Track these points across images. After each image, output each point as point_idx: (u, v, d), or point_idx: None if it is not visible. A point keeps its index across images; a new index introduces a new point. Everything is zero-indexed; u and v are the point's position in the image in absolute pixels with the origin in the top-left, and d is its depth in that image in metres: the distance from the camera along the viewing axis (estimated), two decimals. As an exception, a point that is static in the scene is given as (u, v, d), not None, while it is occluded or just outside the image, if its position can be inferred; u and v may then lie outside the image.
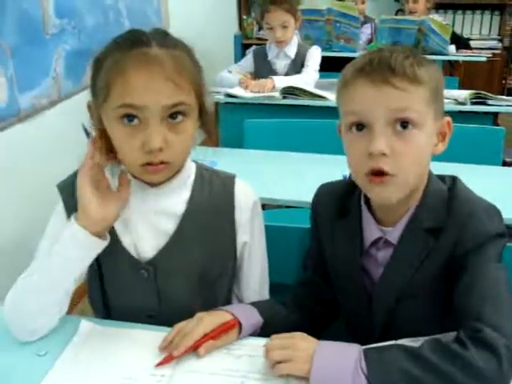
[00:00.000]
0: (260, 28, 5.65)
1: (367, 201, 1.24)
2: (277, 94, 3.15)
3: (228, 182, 1.33)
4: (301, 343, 1.07)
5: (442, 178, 1.22)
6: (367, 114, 1.09)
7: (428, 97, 1.10)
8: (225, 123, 3.26)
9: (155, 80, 1.11)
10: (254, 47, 4.05)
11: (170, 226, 1.27)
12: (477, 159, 2.28)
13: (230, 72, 3.52)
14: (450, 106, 3.01)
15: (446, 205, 1.16)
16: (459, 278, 1.09)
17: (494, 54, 5.23)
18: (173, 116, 1.14)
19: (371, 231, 1.23)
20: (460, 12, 6.14)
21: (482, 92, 3.05)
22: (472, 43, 4.90)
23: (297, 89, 3.14)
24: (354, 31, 4.25)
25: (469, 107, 2.98)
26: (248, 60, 3.67)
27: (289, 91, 3.15)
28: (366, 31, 4.67)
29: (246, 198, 1.33)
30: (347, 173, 1.23)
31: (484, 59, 4.39)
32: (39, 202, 1.36)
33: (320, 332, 1.21)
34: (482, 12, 6.12)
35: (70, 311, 1.30)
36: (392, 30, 4.25)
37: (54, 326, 1.23)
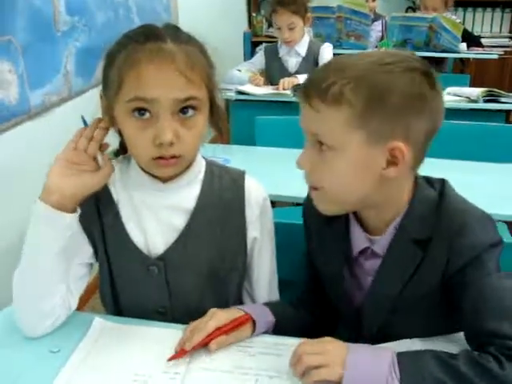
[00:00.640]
0: (269, 25, 5.64)
1: None
2: (288, 91, 3.15)
3: (238, 178, 1.33)
4: (332, 348, 1.05)
5: (430, 181, 1.17)
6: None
7: (348, 119, 1.02)
8: (236, 120, 3.26)
9: (167, 74, 1.11)
10: (264, 44, 4.05)
11: (180, 222, 1.27)
12: (489, 157, 2.26)
13: (239, 71, 3.52)
14: (462, 103, 3.01)
15: (434, 213, 1.11)
16: (463, 296, 1.06)
17: (505, 51, 5.19)
18: (184, 110, 1.14)
19: (359, 240, 1.20)
20: (470, 9, 6.10)
21: (495, 89, 3.04)
22: (483, 41, 4.86)
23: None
24: (365, 28, 4.24)
25: (481, 105, 2.97)
26: (259, 57, 3.67)
27: (299, 88, 3.13)
28: (376, 28, 4.64)
29: (256, 194, 1.33)
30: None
31: (496, 56, 4.36)
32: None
33: (331, 331, 1.20)
34: (492, 9, 6.09)
35: (80, 308, 1.30)
36: (403, 27, 4.24)
37: (63, 315, 1.24)
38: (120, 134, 1.23)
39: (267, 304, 1.29)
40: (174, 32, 1.17)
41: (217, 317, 1.16)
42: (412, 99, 1.02)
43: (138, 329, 1.24)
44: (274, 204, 2.71)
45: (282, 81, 3.27)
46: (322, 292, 1.34)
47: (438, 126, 1.09)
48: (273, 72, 3.56)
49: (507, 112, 3.06)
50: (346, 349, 1.03)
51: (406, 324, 1.17)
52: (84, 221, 1.24)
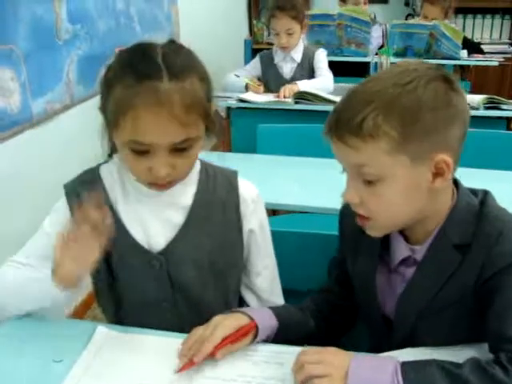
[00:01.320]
0: (270, 33, 5.65)
1: None
2: (289, 99, 3.16)
3: (231, 176, 1.37)
4: (335, 358, 1.04)
5: (473, 191, 1.18)
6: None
7: (388, 148, 1.03)
8: (237, 128, 3.26)
9: (163, 120, 1.12)
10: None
11: (178, 218, 1.31)
12: (490, 164, 2.27)
13: (237, 76, 3.52)
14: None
15: (475, 220, 1.12)
16: (493, 301, 1.06)
17: (505, 58, 5.19)
18: (180, 147, 1.17)
19: (400, 250, 1.20)
20: (470, 16, 6.10)
21: (495, 97, 3.04)
22: (483, 47, 4.87)
23: (309, 94, 3.14)
24: (365, 36, 4.24)
25: (482, 112, 2.96)
26: (255, 64, 3.68)
27: (301, 96, 3.14)
28: (375, 34, 4.63)
29: (249, 191, 1.38)
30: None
31: (496, 63, 4.36)
32: (51, 207, 1.36)
33: (335, 339, 1.20)
34: (492, 16, 6.09)
35: (80, 317, 1.30)
36: (403, 34, 4.25)
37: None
38: None
39: (272, 308, 1.29)
40: (172, 62, 1.15)
41: (223, 326, 1.16)
42: (442, 110, 1.04)
43: (141, 337, 1.23)
44: (274, 212, 2.73)
45: (282, 88, 3.27)
46: (338, 299, 1.36)
47: (467, 125, 1.10)
48: (268, 78, 3.57)
49: (508, 119, 3.05)
50: (349, 359, 1.03)
51: (431, 332, 1.17)
52: None
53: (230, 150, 3.17)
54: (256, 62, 3.67)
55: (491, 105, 3.02)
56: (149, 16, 3.52)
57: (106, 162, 1.33)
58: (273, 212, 2.59)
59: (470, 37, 5.46)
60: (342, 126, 1.05)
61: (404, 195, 1.07)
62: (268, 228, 1.43)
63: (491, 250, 1.07)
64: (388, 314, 1.24)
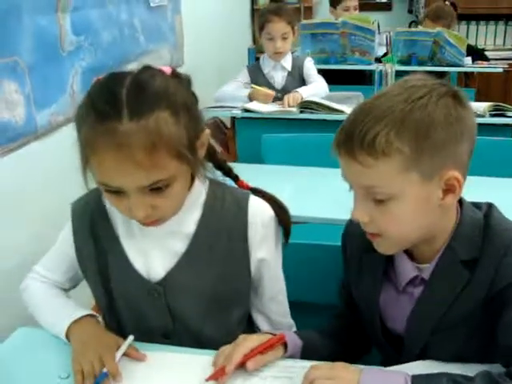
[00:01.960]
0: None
1: None
2: (294, 109, 3.15)
3: (242, 199, 1.29)
4: (344, 373, 1.04)
5: (477, 205, 1.17)
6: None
7: (400, 165, 1.02)
8: (242, 138, 3.26)
9: (126, 165, 1.04)
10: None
11: (180, 246, 1.26)
12: (497, 172, 2.25)
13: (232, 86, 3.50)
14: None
15: (481, 234, 1.11)
16: (502, 313, 1.05)
17: (509, 64, 5.19)
18: (155, 187, 1.10)
19: (407, 270, 1.18)
20: (474, 23, 6.11)
21: (501, 104, 3.02)
22: (487, 54, 4.86)
23: (314, 103, 3.14)
24: (369, 44, 4.23)
25: (488, 119, 2.95)
26: (244, 76, 3.59)
27: (306, 105, 3.14)
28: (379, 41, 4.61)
29: (261, 214, 1.29)
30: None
31: (501, 70, 4.35)
32: (56, 220, 1.35)
33: (354, 361, 1.18)
34: (495, 22, 6.09)
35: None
36: (407, 42, 4.24)
37: None
38: None
39: (294, 331, 1.28)
40: (136, 98, 1.06)
41: (251, 339, 1.16)
42: (452, 126, 1.03)
43: (148, 354, 1.22)
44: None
45: (285, 97, 3.26)
46: (352, 325, 1.34)
47: (475, 141, 1.09)
48: None
49: (514, 126, 3.04)
50: (359, 374, 1.02)
51: (442, 349, 1.15)
52: (78, 240, 1.30)
53: (235, 160, 3.16)
54: (244, 74, 3.59)
55: (497, 112, 3.01)
56: (153, 26, 3.52)
57: None
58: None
59: (473, 43, 5.46)
60: (352, 143, 1.03)
61: (415, 213, 1.06)
62: (280, 252, 1.36)
63: (500, 262, 1.06)
64: (398, 333, 1.22)
